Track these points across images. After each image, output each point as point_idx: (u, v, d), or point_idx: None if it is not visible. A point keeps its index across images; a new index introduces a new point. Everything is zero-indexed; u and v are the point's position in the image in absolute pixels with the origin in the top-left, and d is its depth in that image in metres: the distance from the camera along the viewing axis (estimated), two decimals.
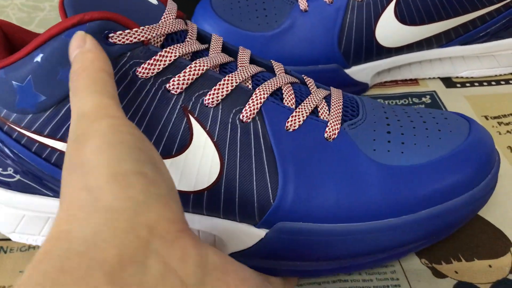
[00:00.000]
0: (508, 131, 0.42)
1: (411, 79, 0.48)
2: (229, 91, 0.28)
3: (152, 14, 0.29)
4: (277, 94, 0.30)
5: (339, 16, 0.43)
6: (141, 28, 0.26)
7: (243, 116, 0.28)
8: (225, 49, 0.32)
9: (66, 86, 0.25)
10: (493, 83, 0.47)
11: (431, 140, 0.30)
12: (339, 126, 0.29)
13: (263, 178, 0.28)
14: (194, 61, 0.27)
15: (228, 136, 0.28)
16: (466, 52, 0.46)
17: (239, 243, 0.30)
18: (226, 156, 0.28)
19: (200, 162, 0.28)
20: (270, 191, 0.28)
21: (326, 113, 0.30)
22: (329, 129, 0.29)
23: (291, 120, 0.28)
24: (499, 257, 0.32)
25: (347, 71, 0.45)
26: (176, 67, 0.27)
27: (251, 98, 0.28)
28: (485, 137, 0.32)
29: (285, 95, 0.30)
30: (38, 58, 0.25)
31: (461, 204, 0.30)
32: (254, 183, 0.28)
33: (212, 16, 0.47)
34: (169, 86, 0.27)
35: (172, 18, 0.29)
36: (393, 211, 0.29)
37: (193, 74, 0.27)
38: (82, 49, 0.24)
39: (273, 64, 0.33)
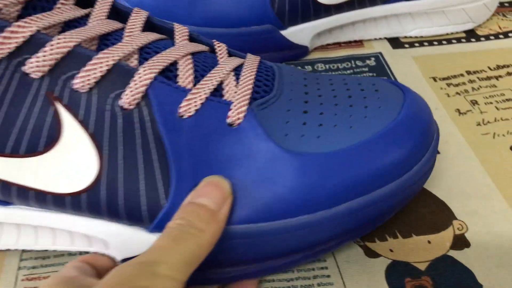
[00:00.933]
0: (457, 93, 0.38)
1: (355, 41, 0.44)
2: (104, 71, 0.22)
3: None
4: (171, 70, 0.24)
5: None
6: None
7: (123, 102, 0.22)
8: (116, 13, 0.27)
9: None
10: (444, 42, 0.43)
11: (355, 119, 0.26)
12: (246, 107, 0.24)
13: (152, 176, 0.23)
14: (58, 36, 0.22)
15: (107, 127, 0.23)
16: (413, 8, 0.42)
17: (131, 249, 0.25)
18: (106, 151, 0.23)
19: (74, 159, 0.23)
20: (161, 190, 0.23)
21: (232, 90, 0.25)
22: (232, 112, 0.24)
23: (186, 104, 0.23)
24: (440, 231, 0.29)
25: (283, 32, 0.40)
26: (33, 45, 0.22)
27: (133, 79, 0.23)
28: (420, 111, 0.28)
29: (181, 72, 0.24)
30: None
31: (393, 191, 0.25)
32: (142, 181, 0.23)
33: None
34: (28, 69, 0.22)
35: None
36: (307, 207, 0.24)
37: (56, 53, 0.22)
38: (217, 212, 0.22)
39: (175, 29, 0.28)
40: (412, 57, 0.42)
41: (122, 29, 0.25)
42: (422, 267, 0.27)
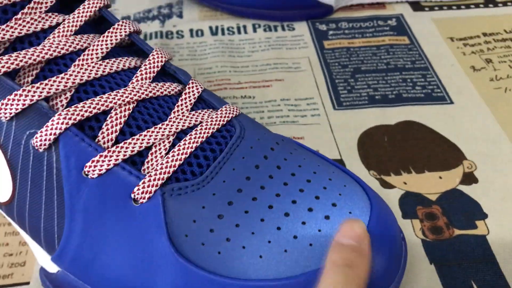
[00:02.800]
0: (473, 52, 0.40)
1: (378, 3, 0.46)
2: (19, 109, 0.21)
3: None
4: (99, 120, 0.22)
5: None
6: None
7: (35, 143, 0.22)
8: (98, 23, 0.26)
9: None
10: (463, 7, 0.45)
11: (295, 245, 0.20)
12: (155, 188, 0.21)
13: (51, 218, 0.22)
14: None
15: (21, 159, 0.22)
16: None
17: (44, 264, 0.25)
18: (18, 180, 0.23)
19: None
20: (56, 235, 0.23)
21: (155, 162, 0.22)
22: (139, 189, 0.21)
23: (92, 165, 0.21)
24: (451, 169, 0.31)
25: None
26: None
27: (46, 124, 0.21)
28: (388, 228, 0.22)
29: (106, 126, 0.22)
30: None
31: None
32: (42, 219, 0.23)
33: None
34: None
35: None
36: None
37: None
38: (361, 249, 0.19)
39: (150, 56, 0.25)
40: (431, 19, 0.44)
41: (84, 49, 0.24)
42: (433, 197, 0.30)
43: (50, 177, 0.22)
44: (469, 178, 0.31)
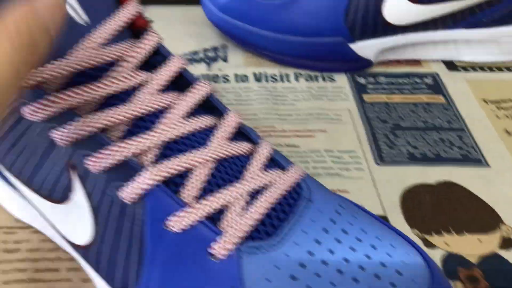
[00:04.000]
0: (506, 116, 0.42)
1: (414, 60, 0.48)
2: (112, 164, 0.23)
3: (66, 43, 0.23)
4: (181, 176, 0.24)
5: None
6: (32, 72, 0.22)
7: (122, 195, 0.23)
8: (175, 82, 0.27)
9: None
10: (495, 69, 0.47)
11: None
12: (233, 246, 0.22)
13: (129, 268, 0.24)
14: (83, 119, 0.23)
15: (105, 208, 0.24)
16: (470, 36, 0.46)
17: None
18: (100, 227, 0.24)
19: (77, 220, 0.25)
20: (132, 282, 0.24)
21: (231, 220, 0.23)
22: (217, 245, 0.22)
23: (175, 220, 0.23)
24: (489, 233, 0.33)
25: (352, 45, 0.45)
26: (63, 117, 0.23)
27: (135, 179, 0.23)
28: None
29: (189, 183, 0.24)
30: None
31: None
32: (121, 268, 0.24)
33: None
34: (54, 136, 0.23)
35: (94, 47, 0.24)
36: None
37: (77, 133, 0.23)
38: None
39: (225, 117, 0.26)
40: (465, 80, 0.46)
41: (168, 107, 0.25)
42: (474, 260, 0.31)
43: (133, 228, 0.23)
44: (508, 243, 0.32)
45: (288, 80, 0.46)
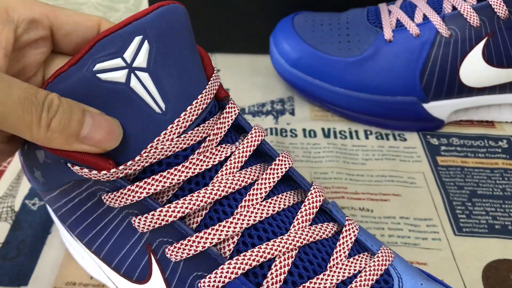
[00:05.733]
0: None
1: (487, 121, 0.47)
2: (192, 254, 0.22)
3: (145, 135, 0.22)
4: (262, 267, 0.23)
5: (425, 50, 0.42)
6: (111, 171, 0.21)
7: (202, 286, 0.22)
8: (255, 154, 0.26)
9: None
10: None
11: None
12: None
13: None
14: (161, 208, 0.22)
15: None
16: None
17: None
18: None
19: None
20: None
21: None
22: None
23: None
24: None
25: (425, 105, 0.44)
26: (143, 206, 0.23)
27: (216, 271, 0.22)
28: None
29: (271, 275, 0.22)
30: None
31: None
32: None
33: (292, 35, 0.47)
34: (133, 223, 0.23)
35: (174, 138, 0.23)
36: None
37: (155, 222, 0.23)
38: None
39: (309, 195, 0.25)
40: None
41: (250, 185, 0.24)
42: None
43: None
44: None
45: (358, 137, 0.45)
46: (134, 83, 0.21)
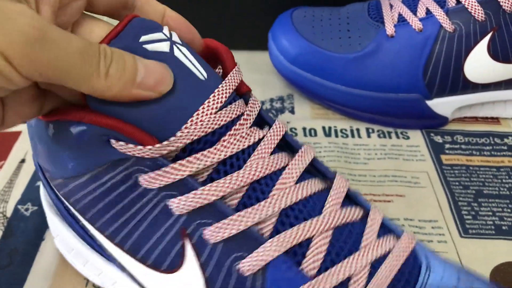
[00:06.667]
0: None
1: (492, 118, 0.46)
2: (233, 234, 0.22)
3: (193, 100, 0.23)
4: (301, 245, 0.23)
5: (428, 45, 0.41)
6: (156, 146, 0.22)
7: (241, 267, 0.23)
8: (282, 146, 0.26)
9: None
10: None
11: None
12: None
13: None
14: (203, 187, 0.22)
15: (221, 280, 0.23)
16: None
17: None
18: None
19: None
20: None
21: None
22: None
23: None
24: None
25: (429, 102, 0.43)
26: (184, 186, 0.23)
27: (257, 250, 0.22)
28: None
29: (310, 254, 0.23)
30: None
31: None
32: None
33: (292, 32, 0.45)
34: (171, 204, 0.23)
35: (213, 112, 0.23)
36: None
37: (196, 202, 0.22)
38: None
39: (335, 183, 0.26)
40: None
41: (281, 170, 0.24)
42: None
43: None
44: None
45: (360, 136, 0.44)
46: (177, 53, 0.23)
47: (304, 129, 0.44)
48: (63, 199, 0.26)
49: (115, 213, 0.24)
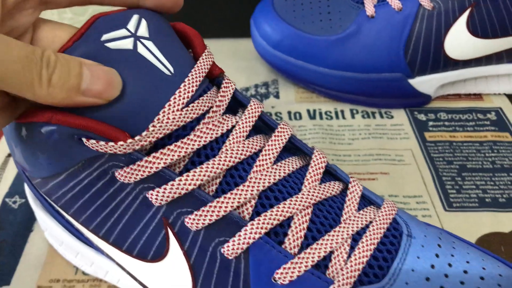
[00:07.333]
0: None
1: (475, 94, 0.46)
2: (214, 220, 0.23)
3: (158, 98, 0.23)
4: (282, 225, 0.23)
5: (408, 24, 0.41)
6: (127, 141, 0.21)
7: (225, 250, 0.23)
8: (257, 127, 0.27)
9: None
10: None
11: None
12: None
13: None
14: (179, 178, 0.22)
15: (205, 266, 0.23)
16: None
17: None
18: (200, 284, 0.24)
19: (173, 279, 0.24)
20: None
21: (339, 266, 0.23)
22: None
23: (283, 272, 0.22)
24: None
25: (411, 81, 0.43)
26: (160, 178, 0.23)
27: (238, 233, 0.23)
28: None
29: (291, 232, 0.23)
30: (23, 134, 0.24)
31: None
32: None
33: (273, 16, 0.46)
34: (150, 197, 0.23)
35: (179, 108, 0.23)
36: None
37: (174, 192, 0.22)
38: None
39: (313, 158, 0.26)
40: None
41: (258, 153, 0.25)
42: None
43: (236, 283, 0.23)
44: None
45: (344, 117, 0.44)
46: (141, 49, 0.23)
47: (289, 113, 0.45)
48: (45, 196, 0.27)
49: (96, 209, 0.24)
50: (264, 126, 0.27)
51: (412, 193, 0.37)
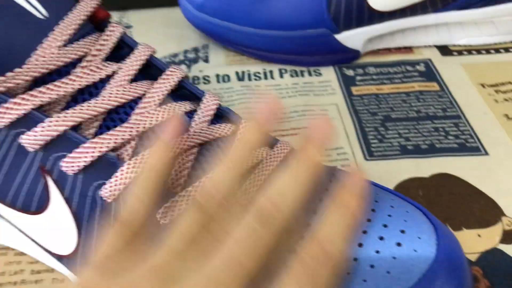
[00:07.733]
0: (505, 99, 0.39)
1: (405, 47, 0.46)
2: (88, 162, 0.22)
3: (29, 41, 0.22)
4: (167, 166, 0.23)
5: None
6: None
7: (103, 193, 0.22)
8: (147, 70, 0.26)
9: None
10: (492, 51, 0.45)
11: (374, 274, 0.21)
12: None
13: None
14: (50, 119, 0.21)
15: (87, 211, 0.23)
16: (463, 18, 0.43)
17: None
18: (84, 231, 0.23)
19: (58, 228, 0.24)
20: None
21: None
22: None
23: (165, 212, 0.22)
24: (489, 226, 0.30)
25: (337, 36, 0.42)
26: (31, 120, 0.22)
27: (115, 174, 0.22)
28: (457, 259, 0.23)
29: (175, 173, 0.23)
30: None
31: None
32: None
33: None
34: (23, 142, 0.22)
35: (54, 51, 0.22)
36: None
37: (46, 135, 0.22)
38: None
39: (203, 101, 0.25)
40: (460, 64, 0.43)
41: (141, 97, 0.24)
42: (473, 258, 0.28)
43: None
44: (509, 236, 0.30)
45: (272, 77, 0.43)
46: None
47: (217, 76, 0.44)
48: None
49: None
50: (189, 94, 0.26)
51: (333, 145, 0.36)
